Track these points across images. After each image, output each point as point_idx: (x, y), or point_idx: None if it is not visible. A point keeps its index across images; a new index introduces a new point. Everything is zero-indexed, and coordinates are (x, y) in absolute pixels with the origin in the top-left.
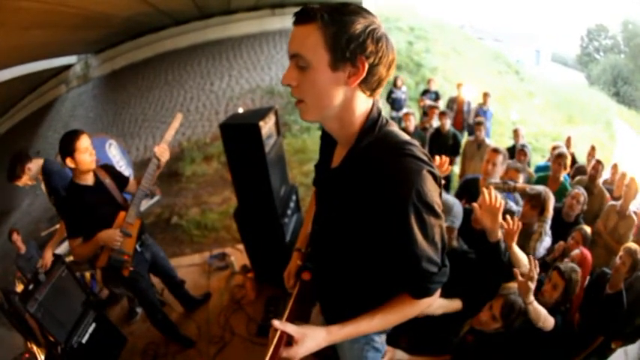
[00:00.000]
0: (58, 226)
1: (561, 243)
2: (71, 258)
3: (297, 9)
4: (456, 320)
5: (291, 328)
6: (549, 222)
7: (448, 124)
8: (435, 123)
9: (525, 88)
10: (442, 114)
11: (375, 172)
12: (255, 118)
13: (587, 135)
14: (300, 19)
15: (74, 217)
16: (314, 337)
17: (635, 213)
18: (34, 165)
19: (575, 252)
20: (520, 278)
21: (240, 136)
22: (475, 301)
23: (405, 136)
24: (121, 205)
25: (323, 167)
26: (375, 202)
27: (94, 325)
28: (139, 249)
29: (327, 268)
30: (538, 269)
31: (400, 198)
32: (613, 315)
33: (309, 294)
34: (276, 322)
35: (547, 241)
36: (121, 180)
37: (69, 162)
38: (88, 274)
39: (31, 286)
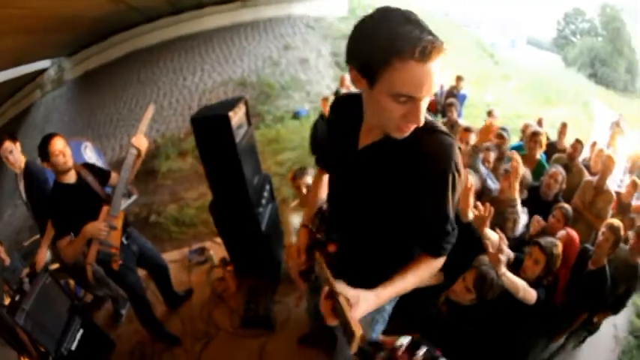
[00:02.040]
0: (37, 236)
1: (536, 217)
2: (54, 266)
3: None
4: (434, 293)
5: (350, 292)
6: (519, 204)
7: None
8: None
9: (500, 71)
10: None
11: (414, 148)
12: (225, 109)
13: (565, 115)
14: (433, 56)
15: (61, 216)
16: (366, 299)
17: (616, 192)
18: (14, 150)
19: (561, 233)
20: (491, 251)
21: (210, 128)
22: (450, 272)
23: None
24: (104, 200)
25: (343, 151)
26: (416, 173)
27: (81, 331)
28: (125, 242)
29: (355, 238)
30: (506, 242)
31: (443, 170)
32: (597, 291)
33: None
34: (339, 286)
35: (524, 219)
36: (102, 175)
37: (47, 166)
38: (72, 282)
39: (17, 297)
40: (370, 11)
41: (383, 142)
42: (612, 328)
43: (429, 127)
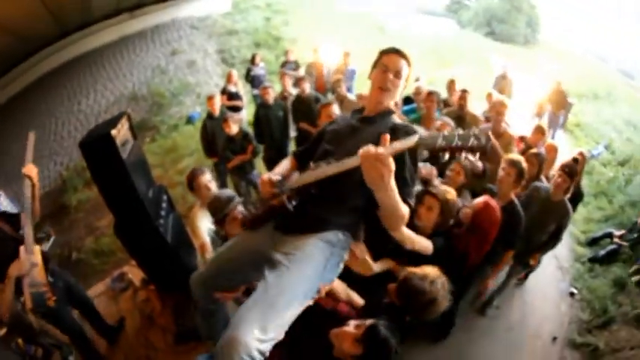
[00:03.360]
0: None
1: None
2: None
3: (156, 7)
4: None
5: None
6: None
7: (307, 88)
8: (295, 90)
9: (392, 43)
10: (300, 80)
11: (399, 125)
12: (108, 128)
13: (464, 74)
14: (391, 53)
15: None
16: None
17: (522, 137)
18: None
19: (478, 201)
20: None
21: (97, 149)
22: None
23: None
24: (20, 242)
25: (350, 123)
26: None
27: None
28: (50, 279)
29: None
30: None
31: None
32: (511, 225)
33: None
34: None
35: None
36: (13, 220)
37: None
38: (20, 340)
39: None
40: (254, 4)
41: (373, 116)
42: (554, 260)
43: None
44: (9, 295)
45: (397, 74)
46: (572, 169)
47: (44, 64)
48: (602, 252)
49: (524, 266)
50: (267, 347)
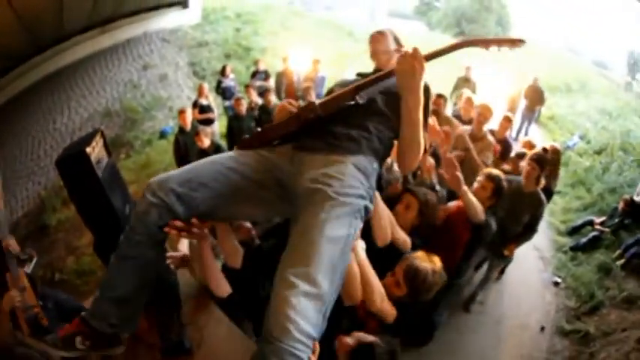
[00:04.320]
0: None
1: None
2: None
3: (127, 20)
4: None
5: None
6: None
7: (273, 99)
8: (261, 100)
9: (361, 48)
10: (266, 91)
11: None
12: (82, 146)
13: (434, 76)
14: (372, 34)
15: None
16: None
17: (491, 131)
18: None
19: (451, 205)
20: None
21: (72, 167)
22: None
23: None
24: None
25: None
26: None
27: None
28: (40, 302)
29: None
30: None
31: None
32: (480, 239)
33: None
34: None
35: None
36: None
37: None
38: None
39: None
40: (224, 15)
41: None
42: (535, 251)
43: None
44: (5, 325)
45: (380, 33)
46: (541, 157)
47: (17, 82)
48: (584, 240)
49: (501, 258)
50: (321, 317)
